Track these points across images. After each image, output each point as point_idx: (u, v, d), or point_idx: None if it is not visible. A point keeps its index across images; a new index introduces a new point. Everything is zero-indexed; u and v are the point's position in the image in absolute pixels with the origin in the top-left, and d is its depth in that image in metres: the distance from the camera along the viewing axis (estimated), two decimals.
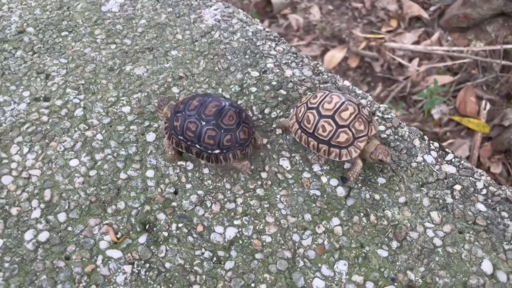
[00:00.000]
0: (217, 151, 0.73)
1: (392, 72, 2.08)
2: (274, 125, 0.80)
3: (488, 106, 1.75)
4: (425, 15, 2.32)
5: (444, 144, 1.60)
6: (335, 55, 2.20)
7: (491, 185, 0.78)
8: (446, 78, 1.95)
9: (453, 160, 0.81)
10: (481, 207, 0.75)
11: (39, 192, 0.74)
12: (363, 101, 0.89)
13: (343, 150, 0.74)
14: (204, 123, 0.72)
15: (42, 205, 0.73)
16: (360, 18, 2.40)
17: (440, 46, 2.12)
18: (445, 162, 0.81)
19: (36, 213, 0.72)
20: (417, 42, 2.18)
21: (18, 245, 0.69)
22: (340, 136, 0.74)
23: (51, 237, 0.70)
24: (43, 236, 0.70)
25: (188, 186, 0.76)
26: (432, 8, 2.30)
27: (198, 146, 0.73)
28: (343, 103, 0.74)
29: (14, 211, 0.72)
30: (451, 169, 0.80)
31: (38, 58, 0.93)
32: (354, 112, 0.74)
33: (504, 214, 0.75)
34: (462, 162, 0.81)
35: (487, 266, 0.69)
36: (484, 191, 0.77)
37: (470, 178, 0.79)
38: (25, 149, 0.79)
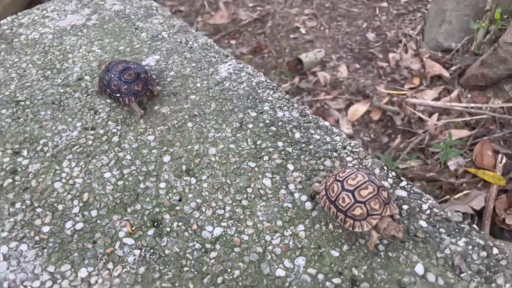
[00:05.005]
0: (118, 95, 1.13)
1: (412, 126, 2.21)
2: (310, 191, 0.98)
3: (505, 160, 1.83)
4: (446, 74, 2.47)
5: (460, 194, 1.67)
6: (359, 108, 2.40)
7: (435, 207, 0.95)
8: (463, 132, 2.06)
9: (405, 186, 0.99)
10: (423, 223, 0.92)
11: (79, 195, 0.99)
12: (338, 138, 1.09)
13: (357, 222, 0.85)
14: (112, 76, 1.13)
15: (81, 204, 0.98)
16: (384, 76, 2.61)
17: (459, 103, 2.25)
18: (398, 188, 0.98)
19: (75, 210, 0.97)
20: (437, 99, 2.34)
21: (60, 231, 0.93)
22: (355, 210, 0.85)
23: (84, 227, 0.94)
24: (79, 226, 0.94)
25: (190, 195, 0.99)
26: (453, 68, 2.47)
27: (108, 90, 1.14)
28: (365, 182, 0.85)
29: (60, 207, 0.97)
30: (403, 193, 0.97)
31: (91, 98, 1.22)
32: (373, 192, 0.85)
33: (442, 230, 0.91)
34: (414, 188, 0.98)
35: (419, 269, 0.85)
36: (428, 212, 0.94)
37: (418, 201, 0.96)
38: (73, 164, 1.06)
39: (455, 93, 2.32)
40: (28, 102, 1.23)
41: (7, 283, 0.85)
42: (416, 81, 2.51)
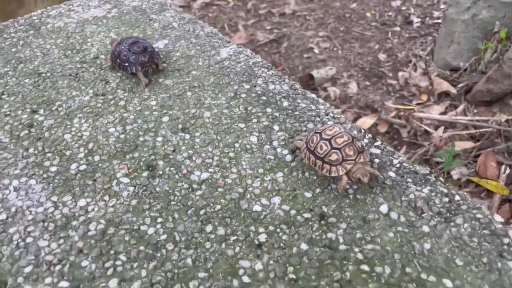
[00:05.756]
0: (126, 64, 1.28)
1: (417, 138, 2.27)
2: (292, 146, 1.08)
3: (508, 170, 1.87)
4: (453, 90, 2.54)
5: None
6: (366, 121, 2.49)
7: (404, 162, 1.03)
8: (468, 144, 2.10)
9: (379, 145, 1.07)
10: (391, 174, 1.00)
11: (85, 144, 1.11)
12: (322, 107, 1.19)
13: (333, 167, 0.94)
14: (123, 47, 1.28)
15: (86, 151, 1.09)
16: (393, 92, 2.70)
17: (464, 116, 2.30)
18: (373, 146, 1.07)
19: (80, 155, 1.09)
20: (443, 113, 2.41)
21: (65, 171, 1.05)
22: (332, 156, 0.94)
23: (87, 168, 1.05)
24: (82, 167, 1.05)
25: (183, 148, 1.10)
26: (460, 85, 2.55)
27: (118, 60, 1.29)
28: (340, 132, 0.95)
29: (67, 153, 1.09)
30: (377, 151, 1.06)
31: (104, 72, 1.36)
32: (348, 141, 0.94)
33: (409, 180, 0.99)
34: (387, 147, 1.07)
35: (384, 208, 0.92)
36: (398, 165, 1.02)
37: (390, 157, 1.04)
38: (83, 121, 1.18)
39: (461, 108, 2.36)
40: (48, 74, 1.37)
41: (14, 208, 0.96)
42: (424, 97, 2.57)
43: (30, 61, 1.44)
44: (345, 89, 2.70)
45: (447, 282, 0.79)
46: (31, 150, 1.11)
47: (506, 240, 0.85)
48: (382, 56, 2.99)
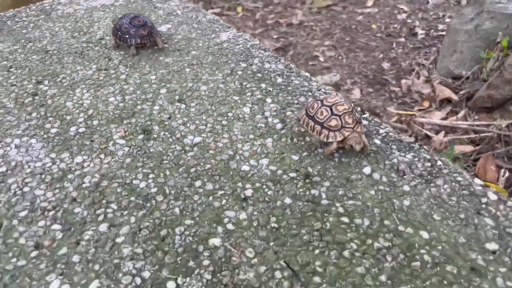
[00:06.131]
0: (126, 36, 1.36)
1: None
2: (283, 117, 1.14)
3: (508, 174, 1.88)
4: (454, 97, 2.57)
5: None
6: None
7: (391, 132, 1.06)
8: (468, 148, 2.12)
9: (367, 117, 1.11)
10: (377, 141, 1.03)
11: (86, 111, 1.16)
12: (314, 84, 1.24)
13: (331, 132, 0.97)
14: (124, 21, 1.37)
15: (85, 116, 1.14)
16: (396, 99, 2.73)
17: (465, 122, 2.32)
18: (363, 119, 1.11)
19: (80, 119, 1.14)
20: (444, 119, 2.43)
21: (65, 133, 1.10)
22: (331, 121, 0.97)
23: (86, 131, 1.10)
24: (81, 130, 1.10)
25: (178, 116, 1.14)
26: (461, 92, 2.58)
27: (119, 33, 1.37)
28: (341, 101, 0.99)
29: (68, 117, 1.14)
30: (364, 122, 1.09)
31: (108, 51, 1.43)
32: (348, 109, 0.97)
33: (394, 147, 1.02)
34: (375, 119, 1.11)
35: (367, 170, 0.96)
36: (384, 134, 1.06)
37: (376, 127, 1.08)
38: (85, 91, 1.24)
39: (462, 113, 2.39)
40: (55, 52, 1.44)
41: (14, 162, 1.01)
42: (426, 103, 2.60)
43: (39, 41, 1.50)
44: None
45: (424, 233, 0.82)
46: (33, 115, 1.16)
47: (484, 200, 0.88)
48: (386, 65, 3.04)
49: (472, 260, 0.77)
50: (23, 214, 0.89)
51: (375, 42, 3.32)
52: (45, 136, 1.09)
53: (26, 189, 0.94)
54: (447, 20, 3.39)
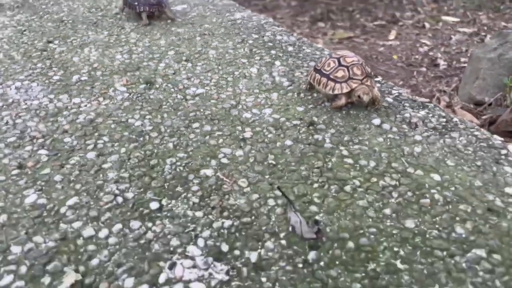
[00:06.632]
0: (135, 3, 1.37)
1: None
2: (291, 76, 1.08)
3: None
4: (476, 121, 2.50)
5: None
6: None
7: (404, 93, 1.00)
8: None
9: (380, 80, 1.06)
10: (389, 99, 0.97)
11: (91, 64, 1.15)
12: (326, 52, 1.20)
13: (337, 84, 0.90)
14: None
15: (90, 68, 1.12)
16: None
17: None
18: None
19: (84, 70, 1.11)
20: None
21: (67, 80, 1.07)
22: (338, 72, 0.90)
23: (87, 80, 1.07)
24: (83, 78, 1.08)
25: (183, 72, 1.11)
26: (484, 117, 2.51)
27: (129, 1, 1.39)
28: (351, 53, 0.93)
29: (72, 68, 1.12)
30: (377, 85, 1.04)
31: (121, 22, 1.43)
32: (357, 61, 0.91)
33: (407, 104, 0.96)
34: (388, 82, 1.05)
35: (376, 121, 0.89)
36: (396, 94, 1.00)
37: (389, 89, 1.02)
38: (93, 50, 1.23)
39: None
40: (70, 21, 1.45)
41: (11, 99, 0.99)
42: None
43: (56, 13, 1.52)
44: None
45: (435, 176, 0.74)
46: (39, 65, 1.14)
47: (504, 151, 0.80)
48: (406, 91, 2.99)
49: (489, 201, 0.69)
50: (11, 139, 0.85)
51: (396, 70, 3.28)
52: (46, 81, 1.06)
53: (18, 120, 0.91)
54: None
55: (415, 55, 3.65)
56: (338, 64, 0.91)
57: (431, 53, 3.56)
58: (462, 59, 3.53)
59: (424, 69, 3.38)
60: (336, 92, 0.90)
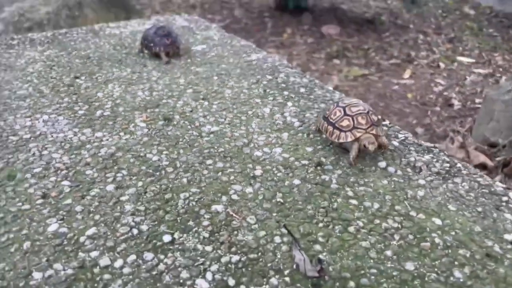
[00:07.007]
0: (151, 45, 1.49)
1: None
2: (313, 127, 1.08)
3: None
4: (490, 163, 2.52)
5: None
6: None
7: (410, 137, 1.05)
8: None
9: (388, 124, 1.10)
10: (395, 143, 1.02)
11: (114, 100, 1.22)
12: (337, 95, 1.25)
13: (342, 133, 0.94)
14: (151, 32, 1.51)
15: (113, 104, 1.20)
16: None
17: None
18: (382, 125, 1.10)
19: (107, 106, 1.19)
20: None
21: (91, 114, 1.14)
22: (343, 121, 0.94)
23: (110, 115, 1.14)
24: (106, 113, 1.15)
25: (200, 110, 1.17)
26: (497, 159, 2.52)
27: (146, 42, 1.51)
28: (358, 102, 0.97)
29: (96, 103, 1.20)
30: (384, 128, 1.09)
31: (144, 60, 1.51)
32: (363, 110, 0.95)
33: (412, 149, 1.00)
34: (396, 126, 1.10)
35: (382, 164, 0.93)
36: (403, 138, 1.04)
37: (396, 132, 1.07)
38: (116, 87, 1.30)
39: (497, 178, 2.32)
40: (97, 58, 1.54)
41: (39, 131, 1.06)
42: None
43: (83, 50, 1.62)
44: None
45: (437, 220, 0.77)
46: (65, 99, 1.22)
47: (505, 198, 0.83)
48: (419, 130, 3.03)
49: (487, 247, 0.72)
50: (37, 170, 0.91)
51: (409, 109, 3.32)
52: (72, 115, 1.14)
53: (44, 152, 0.98)
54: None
55: (429, 95, 3.69)
56: (343, 113, 0.95)
57: (445, 93, 3.59)
58: (477, 100, 3.55)
59: (438, 108, 3.41)
60: (341, 140, 0.94)
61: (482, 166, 2.45)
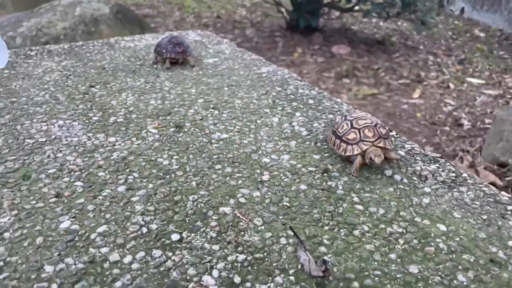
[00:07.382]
0: (163, 51, 1.57)
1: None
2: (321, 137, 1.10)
3: None
4: (499, 182, 2.52)
5: None
6: None
7: (416, 148, 1.06)
8: None
9: (395, 135, 1.12)
10: (401, 153, 1.03)
11: (127, 108, 1.25)
12: (344, 106, 1.28)
13: (349, 146, 0.94)
14: (164, 40, 1.60)
15: (126, 111, 1.23)
16: None
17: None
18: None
19: (121, 113, 1.22)
20: None
21: (105, 121, 1.18)
22: (350, 134, 0.95)
23: (123, 121, 1.18)
24: (120, 120, 1.18)
25: (210, 118, 1.20)
26: (507, 178, 2.51)
27: (158, 48, 1.59)
28: (365, 116, 0.98)
29: (110, 111, 1.23)
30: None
31: (157, 71, 1.56)
32: (370, 123, 0.95)
33: (418, 158, 1.01)
34: (402, 137, 1.11)
35: (388, 172, 0.95)
36: (409, 148, 1.05)
37: (403, 143, 1.08)
38: (130, 95, 1.34)
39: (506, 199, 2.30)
40: (111, 69, 1.59)
41: (54, 136, 1.09)
42: None
43: (99, 61, 1.67)
44: None
45: (441, 226, 0.78)
46: (80, 106, 1.26)
47: (510, 208, 0.84)
48: (428, 149, 3.02)
49: (492, 253, 0.72)
50: (51, 171, 0.94)
51: (419, 128, 3.33)
52: (86, 121, 1.17)
53: (59, 154, 1.01)
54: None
55: (439, 114, 3.69)
56: (350, 126, 0.96)
57: (455, 113, 3.59)
58: (487, 120, 3.55)
59: (447, 128, 3.41)
60: (348, 153, 0.95)
61: (492, 185, 2.43)
